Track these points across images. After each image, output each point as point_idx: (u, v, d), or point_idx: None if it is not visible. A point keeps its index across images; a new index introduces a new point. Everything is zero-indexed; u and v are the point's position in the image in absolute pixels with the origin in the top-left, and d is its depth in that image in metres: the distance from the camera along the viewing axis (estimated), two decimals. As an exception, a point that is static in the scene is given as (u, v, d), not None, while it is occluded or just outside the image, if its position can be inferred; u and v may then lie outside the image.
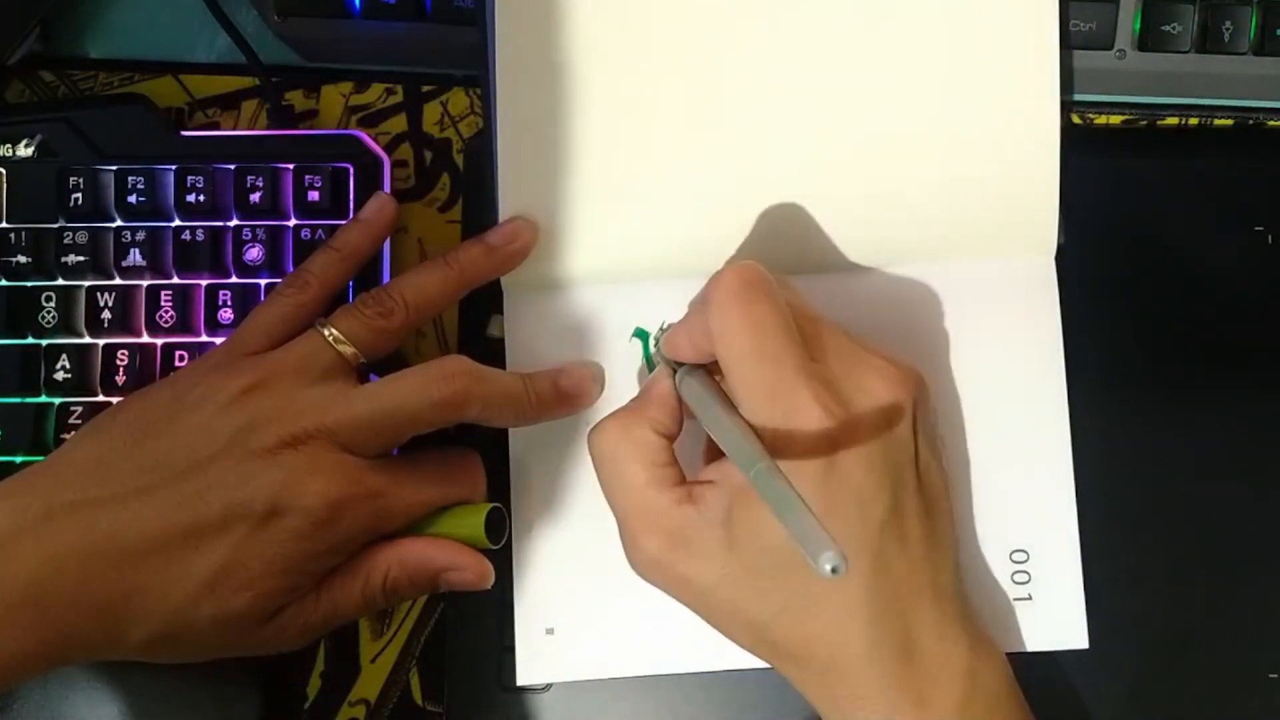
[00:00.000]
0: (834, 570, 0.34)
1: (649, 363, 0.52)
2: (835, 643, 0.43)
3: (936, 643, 0.44)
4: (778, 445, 0.42)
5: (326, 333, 0.47)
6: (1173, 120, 0.55)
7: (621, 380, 0.52)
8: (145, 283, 0.52)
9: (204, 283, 0.52)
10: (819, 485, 0.42)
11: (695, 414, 0.46)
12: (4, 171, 0.52)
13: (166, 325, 0.51)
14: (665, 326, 0.51)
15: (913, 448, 0.45)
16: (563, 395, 0.50)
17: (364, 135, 0.53)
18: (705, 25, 0.51)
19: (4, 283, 0.52)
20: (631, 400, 0.48)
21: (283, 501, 0.43)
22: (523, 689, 0.51)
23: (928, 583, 0.44)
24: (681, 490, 0.45)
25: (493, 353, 0.52)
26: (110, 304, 0.52)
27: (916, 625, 0.44)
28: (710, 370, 0.46)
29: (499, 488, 0.51)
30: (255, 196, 0.52)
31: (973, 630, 0.45)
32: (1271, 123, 0.55)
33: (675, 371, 0.47)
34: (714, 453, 0.47)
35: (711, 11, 0.50)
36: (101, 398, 0.51)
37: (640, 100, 0.51)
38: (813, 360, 0.44)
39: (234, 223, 0.52)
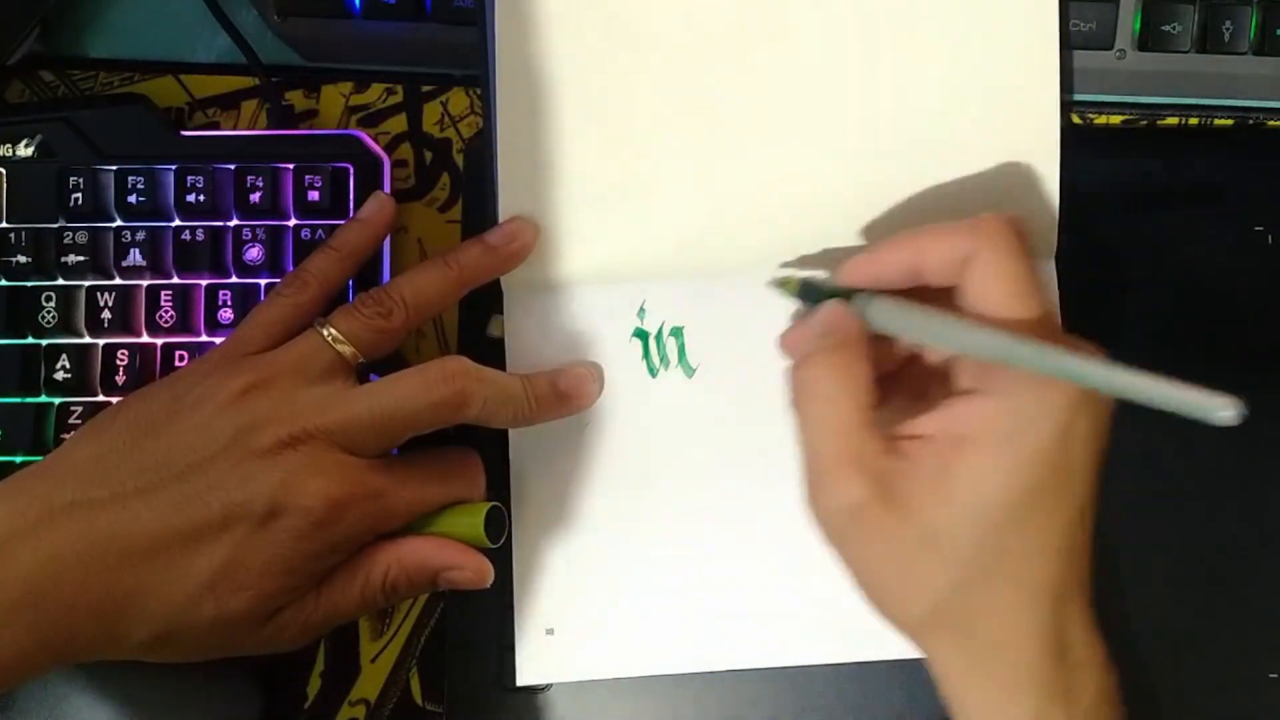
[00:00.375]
0: (1234, 416, 0.33)
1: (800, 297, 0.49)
2: (1015, 620, 0.42)
3: (1083, 633, 0.43)
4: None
5: (326, 333, 0.47)
6: (1173, 120, 0.55)
7: (621, 380, 0.52)
8: (145, 283, 0.52)
9: (204, 283, 0.52)
10: (1058, 439, 0.41)
11: (928, 337, 0.44)
12: (4, 171, 0.52)
13: (166, 325, 0.51)
14: (787, 274, 0.50)
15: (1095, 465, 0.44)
16: (561, 396, 0.50)
17: (364, 135, 0.53)
18: (705, 25, 0.51)
19: (4, 283, 0.52)
20: (817, 339, 0.45)
21: (282, 501, 0.43)
22: (523, 689, 0.51)
23: (1086, 573, 0.44)
24: (886, 440, 0.43)
25: (493, 353, 0.52)
26: (110, 304, 0.52)
27: (1072, 619, 0.43)
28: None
29: (499, 488, 0.51)
30: (255, 196, 0.52)
31: (1099, 636, 0.44)
32: (1271, 123, 0.55)
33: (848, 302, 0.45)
34: (891, 404, 0.46)
35: (711, 12, 0.50)
36: (101, 398, 0.51)
37: (640, 100, 0.51)
38: None
39: (234, 223, 0.52)
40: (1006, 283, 0.43)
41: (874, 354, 0.45)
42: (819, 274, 0.48)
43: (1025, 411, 0.41)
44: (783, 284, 0.49)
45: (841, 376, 0.44)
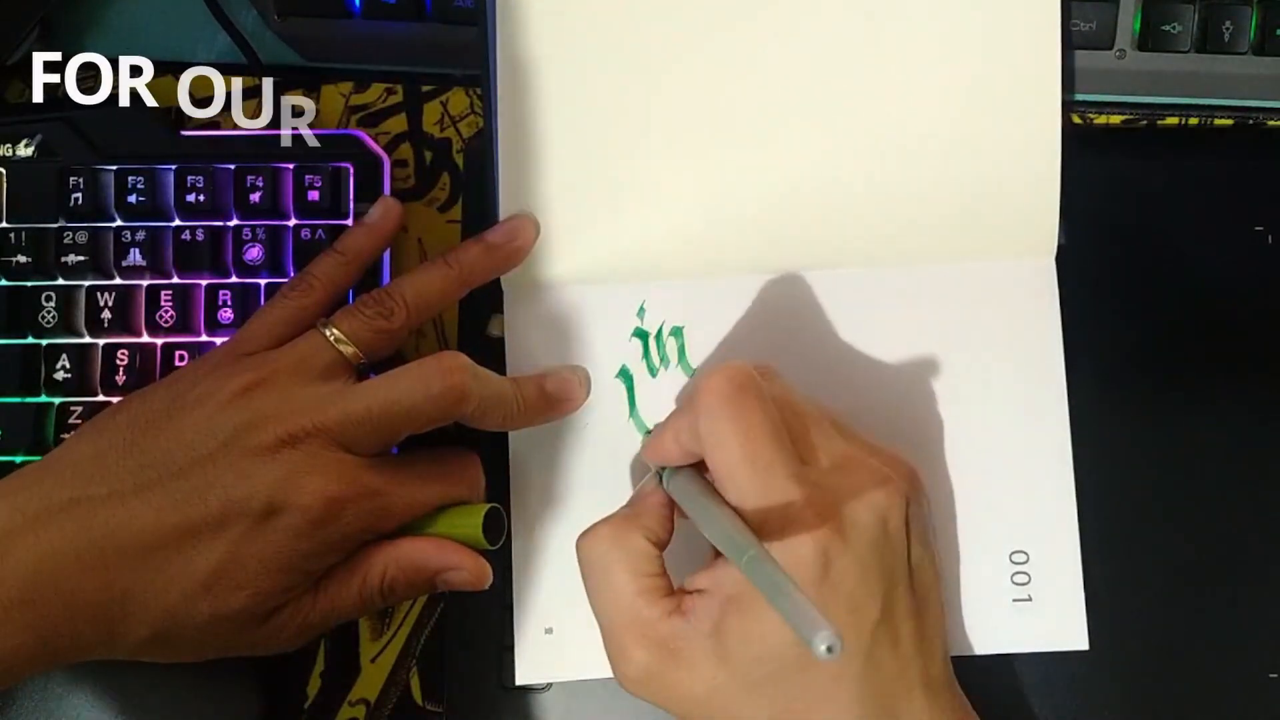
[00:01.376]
0: (829, 650, 0.34)
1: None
2: None
3: None
4: (770, 553, 0.41)
5: (328, 333, 0.47)
6: (1173, 120, 0.55)
7: (619, 382, 0.52)
8: (145, 282, 0.52)
9: (204, 283, 0.52)
10: (812, 592, 0.42)
11: (685, 511, 0.45)
12: (4, 171, 0.52)
13: (166, 325, 0.51)
14: (649, 430, 0.51)
15: (905, 547, 0.45)
16: (549, 399, 0.50)
17: (364, 135, 0.53)
18: (706, 25, 0.51)
19: (4, 283, 0.52)
20: (622, 507, 0.48)
21: (281, 500, 0.43)
22: (523, 689, 0.51)
23: (919, 678, 0.44)
24: (671, 601, 0.44)
25: (493, 352, 0.52)
26: (110, 304, 0.52)
27: (908, 711, 0.44)
28: (699, 468, 0.46)
29: (498, 488, 0.51)
30: (255, 196, 0.52)
31: (953, 713, 0.45)
32: (1271, 123, 0.55)
33: (662, 474, 0.47)
34: (704, 562, 0.46)
35: (712, 12, 0.50)
36: (101, 398, 0.51)
37: (640, 100, 0.51)
38: (803, 463, 0.44)
39: (234, 222, 0.52)
40: (718, 455, 0.43)
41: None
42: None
43: None
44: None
45: (617, 547, 0.45)
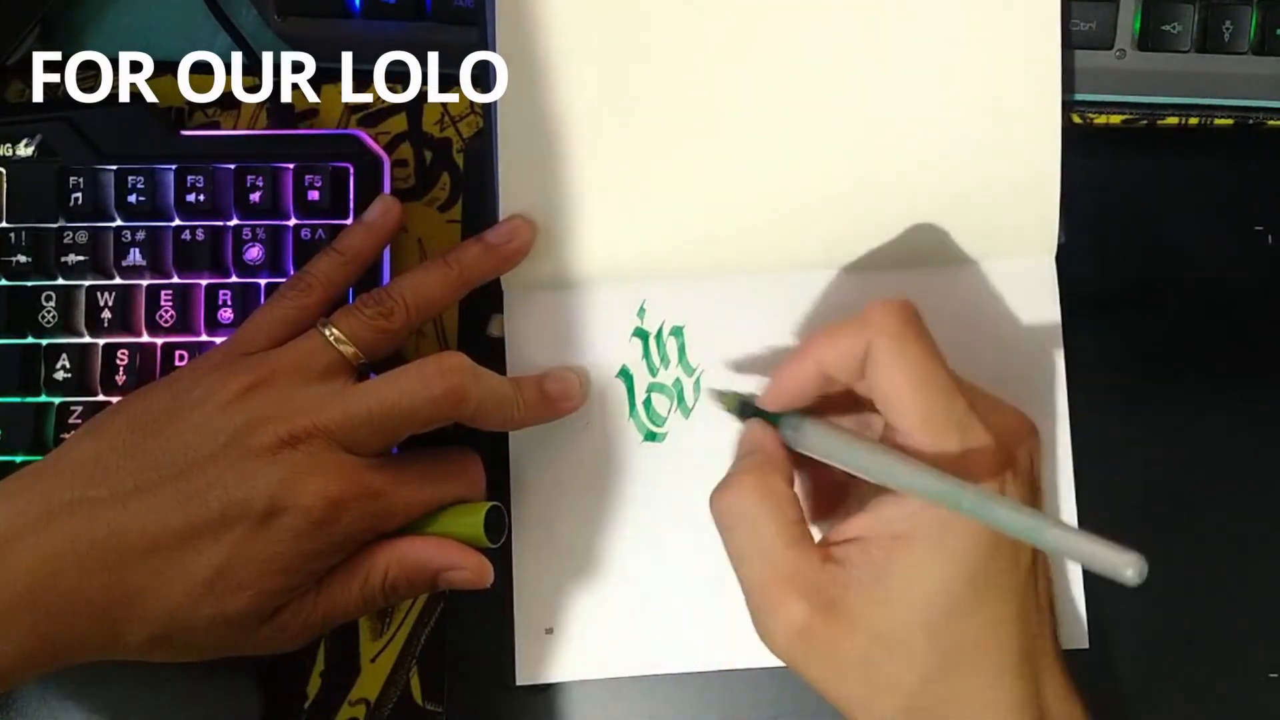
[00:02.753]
0: (1139, 575, 0.33)
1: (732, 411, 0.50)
2: (985, 699, 0.42)
3: (1060, 703, 0.43)
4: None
5: (328, 333, 0.47)
6: (1173, 120, 0.55)
7: (619, 381, 0.52)
8: (145, 282, 0.52)
9: (204, 282, 0.52)
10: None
11: (839, 461, 0.43)
12: (4, 171, 0.52)
13: (166, 325, 0.51)
14: (719, 389, 0.50)
15: (1041, 493, 0.45)
16: (548, 400, 0.50)
17: (364, 135, 0.53)
18: (705, 26, 0.51)
19: (4, 283, 0.52)
20: (740, 460, 0.46)
21: (282, 500, 0.43)
22: (523, 689, 0.51)
23: (1051, 637, 0.44)
24: (820, 550, 0.42)
25: (493, 352, 0.52)
26: (110, 304, 0.52)
27: (1046, 683, 0.43)
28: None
29: (499, 488, 0.51)
30: (255, 196, 0.52)
31: (1081, 692, 0.44)
32: (1271, 123, 0.55)
33: (779, 426, 0.45)
34: (825, 510, 0.46)
35: (711, 12, 0.50)
36: (101, 397, 0.51)
37: (640, 100, 0.51)
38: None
39: (234, 222, 0.52)
40: (900, 375, 0.42)
41: (809, 461, 0.45)
42: (754, 393, 0.48)
43: None
44: (721, 398, 0.49)
45: (762, 497, 0.43)
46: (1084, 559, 0.35)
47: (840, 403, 0.46)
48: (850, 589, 0.41)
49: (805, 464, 0.46)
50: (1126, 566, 0.33)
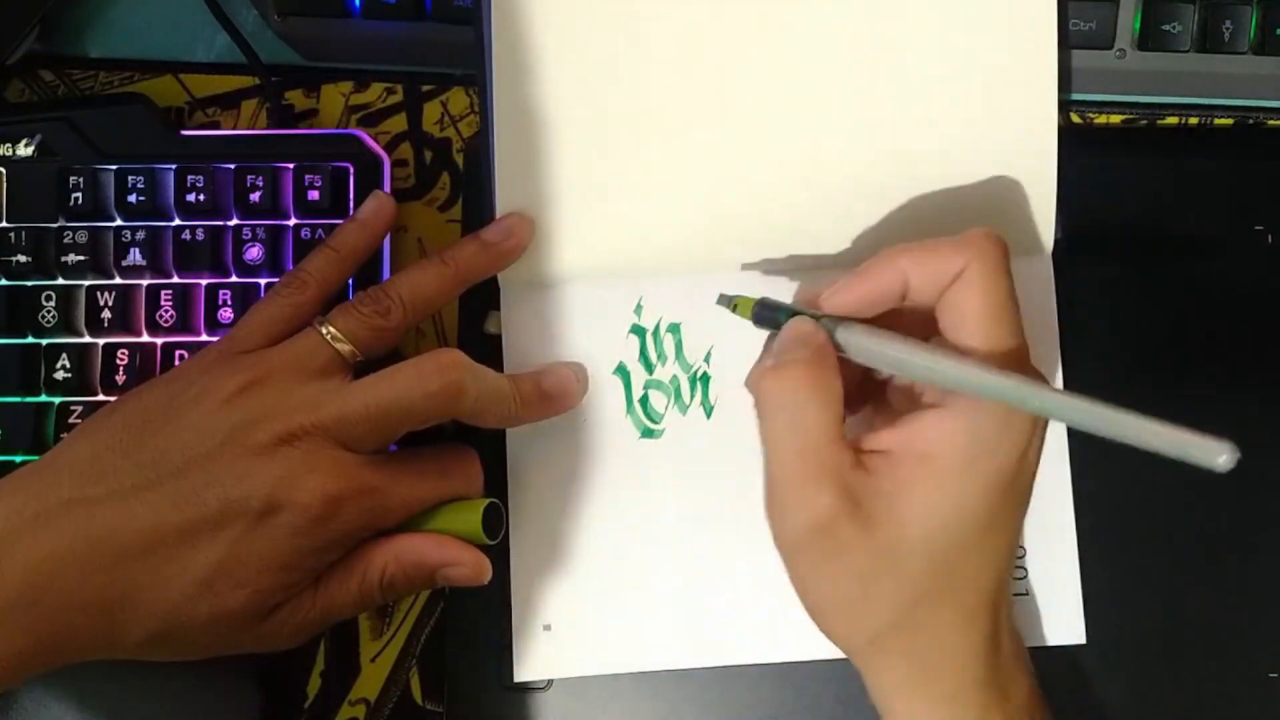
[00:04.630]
0: (1227, 461, 0.33)
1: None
2: (957, 635, 0.43)
3: (1011, 638, 0.44)
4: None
5: (324, 331, 0.47)
6: (1173, 120, 0.55)
7: (616, 378, 0.52)
8: (145, 282, 0.52)
9: (204, 282, 0.52)
10: (1020, 459, 0.42)
11: (894, 364, 0.42)
12: (4, 171, 0.52)
13: (166, 325, 0.51)
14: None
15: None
16: (546, 396, 0.50)
17: (364, 135, 0.53)
18: (701, 23, 0.51)
19: (4, 282, 0.52)
20: (785, 351, 0.44)
21: (279, 497, 0.43)
22: (523, 687, 0.51)
23: (1011, 568, 0.45)
24: (852, 453, 0.43)
25: (490, 349, 0.52)
26: (110, 303, 0.52)
27: (1003, 619, 0.44)
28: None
29: (497, 485, 0.51)
30: (255, 196, 0.52)
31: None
32: (1271, 122, 0.55)
33: (831, 330, 0.44)
34: (860, 423, 0.46)
35: (708, 10, 0.50)
36: (101, 397, 0.51)
37: (637, 97, 0.51)
38: None
39: (234, 222, 0.52)
40: (990, 300, 0.42)
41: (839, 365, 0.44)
42: (774, 296, 0.47)
43: (988, 434, 0.41)
44: (733, 304, 0.48)
45: (813, 387, 0.43)
46: (1173, 448, 0.35)
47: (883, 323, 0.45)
48: (874, 498, 0.42)
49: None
50: (1219, 454, 0.33)
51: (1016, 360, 0.42)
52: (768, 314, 0.46)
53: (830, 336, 0.44)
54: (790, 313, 0.45)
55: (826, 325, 0.44)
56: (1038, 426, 0.42)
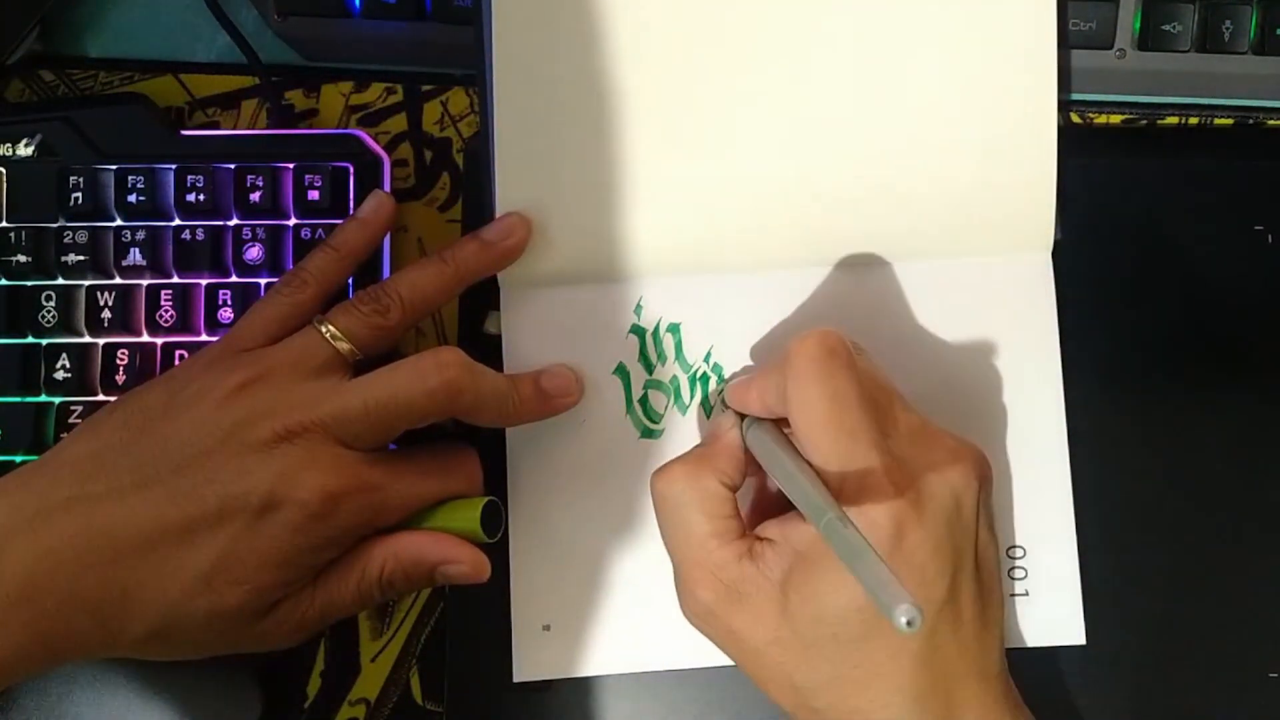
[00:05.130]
0: (909, 624, 0.33)
1: (706, 408, 0.52)
2: (880, 719, 0.43)
3: (979, 715, 0.44)
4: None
5: (324, 329, 0.47)
6: (1173, 120, 0.55)
7: (616, 378, 0.52)
8: (145, 282, 0.52)
9: (204, 282, 0.52)
10: (896, 541, 0.42)
11: (763, 465, 0.46)
12: (4, 171, 0.52)
13: (166, 325, 0.51)
14: (726, 378, 0.52)
15: (974, 530, 0.45)
16: (545, 396, 0.50)
17: (364, 135, 0.53)
18: (702, 23, 0.51)
19: (4, 282, 0.52)
20: (696, 447, 0.49)
21: (278, 495, 0.43)
22: (523, 686, 0.51)
23: (975, 665, 0.44)
24: (742, 544, 0.45)
25: (490, 349, 0.52)
26: (110, 303, 0.52)
27: (961, 706, 0.43)
28: (779, 423, 0.47)
29: (497, 485, 0.51)
30: (255, 196, 0.52)
31: (1014, 710, 0.45)
32: (1271, 122, 0.55)
33: (741, 421, 0.48)
34: (773, 510, 0.47)
35: (706, 11, 0.50)
36: (101, 397, 0.51)
37: (636, 97, 0.51)
38: (885, 436, 0.44)
39: (234, 222, 0.52)
40: (806, 412, 0.43)
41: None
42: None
43: None
44: (720, 394, 0.51)
45: (690, 487, 0.46)
46: (870, 591, 0.36)
47: None
48: (759, 589, 0.44)
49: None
50: (903, 614, 0.34)
51: (849, 462, 0.42)
52: (720, 402, 0.51)
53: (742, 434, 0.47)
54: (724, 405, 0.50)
55: (746, 423, 0.47)
56: (913, 518, 0.42)
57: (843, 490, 0.42)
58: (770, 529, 0.45)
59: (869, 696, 0.43)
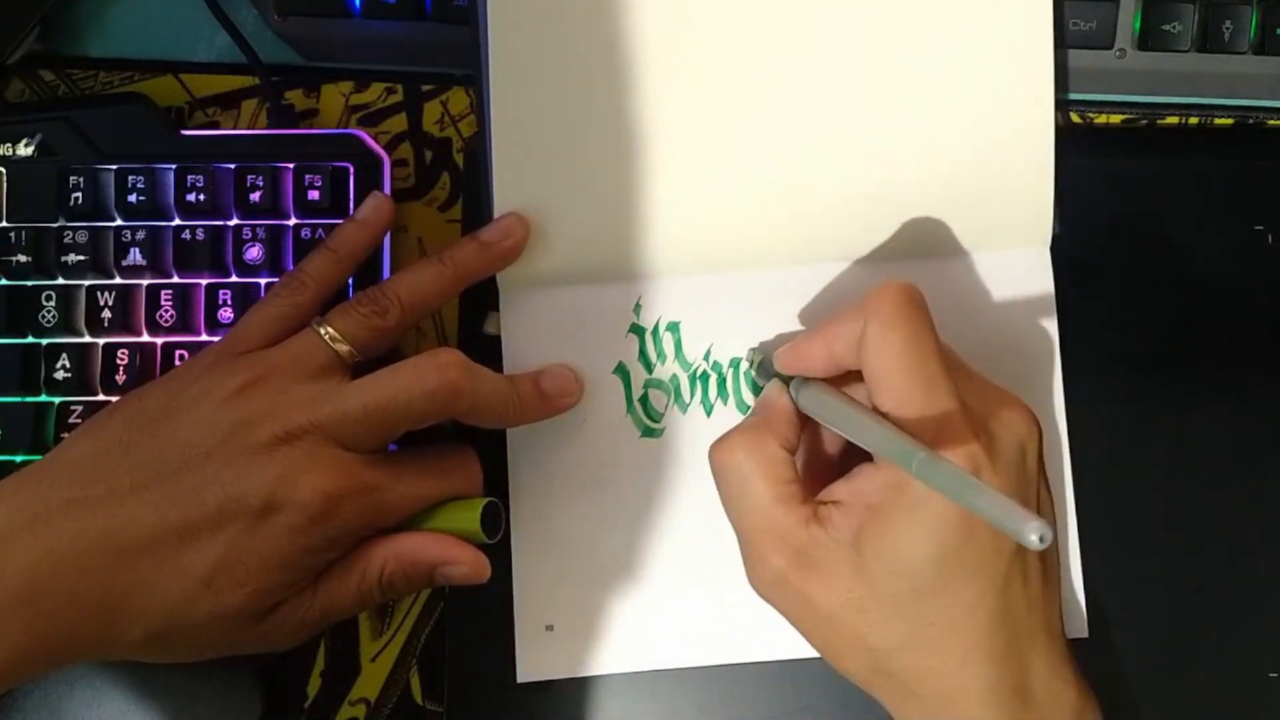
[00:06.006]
0: (1040, 539, 0.33)
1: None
2: (954, 679, 0.43)
3: (1048, 683, 0.44)
4: None
5: (323, 331, 0.47)
6: (1173, 120, 0.55)
7: (616, 378, 0.52)
8: (145, 282, 0.52)
9: (204, 282, 0.52)
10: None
11: (829, 422, 0.45)
12: (4, 171, 0.52)
13: (166, 325, 0.51)
14: (756, 346, 0.52)
15: (1037, 480, 0.45)
16: (545, 397, 0.50)
17: (364, 135, 0.53)
18: (700, 22, 0.51)
19: (4, 282, 0.52)
20: (748, 417, 0.49)
21: (278, 496, 0.43)
22: (524, 686, 0.51)
23: (1043, 621, 0.44)
24: (808, 509, 0.45)
25: (490, 349, 0.52)
26: (110, 303, 0.52)
27: (1033, 665, 0.44)
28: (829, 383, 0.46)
29: (497, 485, 0.51)
30: (255, 196, 0.52)
31: (1078, 671, 0.45)
32: (1271, 122, 0.55)
33: (789, 386, 0.48)
34: (826, 474, 0.47)
35: (705, 8, 0.50)
36: (101, 397, 0.51)
37: (634, 96, 0.51)
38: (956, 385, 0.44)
39: (234, 222, 0.52)
40: (883, 360, 0.43)
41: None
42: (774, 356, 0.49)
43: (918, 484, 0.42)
44: (750, 363, 0.51)
45: (750, 455, 0.46)
46: (991, 515, 0.35)
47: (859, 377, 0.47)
48: (829, 551, 0.44)
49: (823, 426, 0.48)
50: (1033, 531, 0.33)
51: (927, 407, 0.42)
52: (767, 371, 0.50)
53: (794, 398, 0.47)
54: (770, 374, 0.49)
55: (794, 387, 0.47)
56: (985, 460, 0.42)
57: (919, 435, 0.42)
58: (836, 490, 0.45)
59: (945, 654, 0.43)
